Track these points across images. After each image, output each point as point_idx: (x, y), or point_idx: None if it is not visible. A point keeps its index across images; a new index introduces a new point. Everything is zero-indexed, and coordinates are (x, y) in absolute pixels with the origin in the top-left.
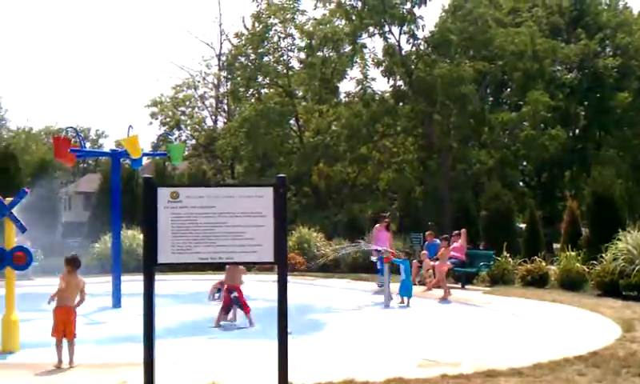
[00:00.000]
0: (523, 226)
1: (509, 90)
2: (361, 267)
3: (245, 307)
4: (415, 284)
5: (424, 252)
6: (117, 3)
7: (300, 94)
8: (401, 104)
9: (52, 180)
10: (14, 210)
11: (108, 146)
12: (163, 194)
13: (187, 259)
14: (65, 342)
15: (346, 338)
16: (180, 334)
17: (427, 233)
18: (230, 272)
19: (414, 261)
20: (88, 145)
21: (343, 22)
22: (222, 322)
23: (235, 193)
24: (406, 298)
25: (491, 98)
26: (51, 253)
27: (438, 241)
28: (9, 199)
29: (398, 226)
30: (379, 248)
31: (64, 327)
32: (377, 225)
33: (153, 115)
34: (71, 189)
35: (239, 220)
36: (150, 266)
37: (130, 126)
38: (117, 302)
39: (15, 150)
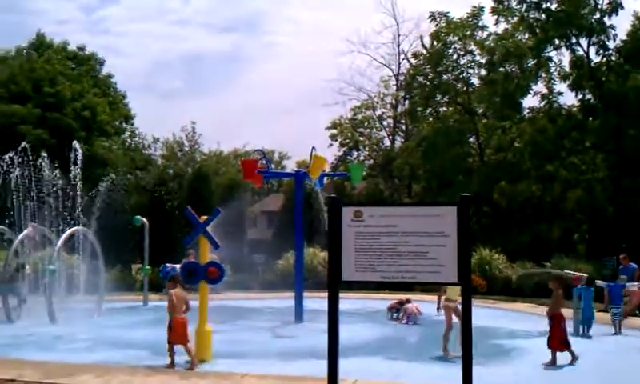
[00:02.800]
0: None
1: None
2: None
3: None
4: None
5: (622, 276)
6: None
7: (480, 111)
8: (590, 118)
9: (240, 200)
10: (208, 228)
11: (290, 167)
12: (347, 213)
13: (370, 277)
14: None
15: (532, 366)
16: (360, 351)
17: (621, 256)
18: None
19: None
20: (272, 166)
21: (526, 35)
22: None
23: (417, 212)
24: (586, 327)
25: None
26: (239, 269)
27: (634, 265)
28: (204, 218)
29: (586, 249)
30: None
31: (186, 333)
32: None
33: (333, 137)
34: (257, 208)
35: (422, 239)
36: (334, 283)
37: (313, 148)
38: (299, 317)
39: (207, 172)
